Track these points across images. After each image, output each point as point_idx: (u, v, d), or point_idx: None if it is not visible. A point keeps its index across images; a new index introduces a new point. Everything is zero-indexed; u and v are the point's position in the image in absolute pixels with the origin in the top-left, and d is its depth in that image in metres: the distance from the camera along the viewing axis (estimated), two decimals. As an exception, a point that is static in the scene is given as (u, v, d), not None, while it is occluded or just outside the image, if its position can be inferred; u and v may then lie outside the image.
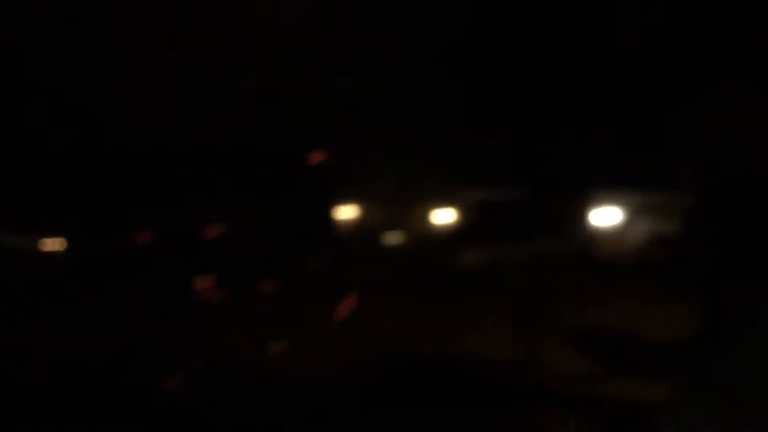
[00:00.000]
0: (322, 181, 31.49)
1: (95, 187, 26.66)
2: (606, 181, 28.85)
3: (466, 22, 30.24)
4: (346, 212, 32.97)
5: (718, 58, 20.65)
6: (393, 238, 29.13)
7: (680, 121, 27.64)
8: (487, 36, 29.80)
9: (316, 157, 28.42)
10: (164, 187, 27.93)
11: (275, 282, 16.52)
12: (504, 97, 31.27)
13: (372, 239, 28.66)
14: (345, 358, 7.87)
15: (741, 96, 24.48)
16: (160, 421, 5.67)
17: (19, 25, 25.32)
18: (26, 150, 25.77)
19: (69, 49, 25.05)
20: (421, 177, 31.36)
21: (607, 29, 28.73)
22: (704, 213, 1.71)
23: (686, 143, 27.19)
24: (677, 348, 2.05)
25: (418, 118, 31.09)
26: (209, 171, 29.06)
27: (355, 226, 32.36)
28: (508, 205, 30.41)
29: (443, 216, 31.97)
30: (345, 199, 32.91)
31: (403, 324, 10.54)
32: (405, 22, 30.35)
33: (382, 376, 7.09)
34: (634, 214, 29.72)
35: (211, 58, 26.15)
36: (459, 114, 31.31)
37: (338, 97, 31.58)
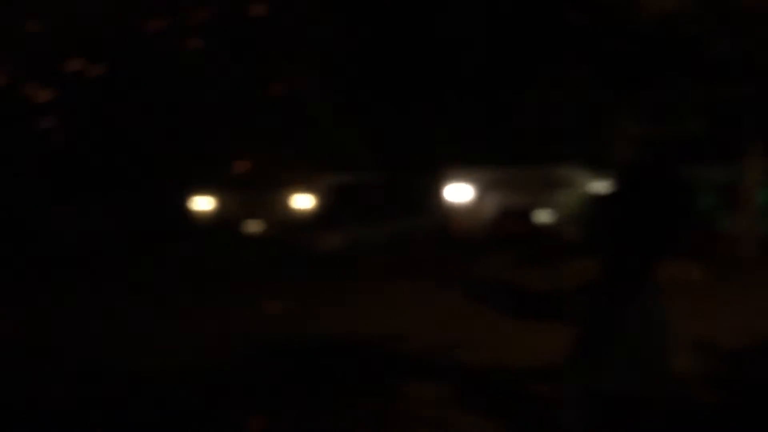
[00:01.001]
0: (177, 173, 30.42)
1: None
2: (456, 159, 29.87)
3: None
4: (203, 203, 32.03)
5: (555, 39, 21.87)
6: (253, 226, 28.58)
7: (524, 99, 29.08)
8: (337, 20, 29.87)
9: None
10: None
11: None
12: (356, 80, 31.53)
13: (231, 229, 28.02)
14: (211, 345, 7.59)
15: (579, 73, 26.11)
16: None
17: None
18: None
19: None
20: (277, 164, 31.02)
21: (455, 10, 29.68)
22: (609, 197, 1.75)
23: (531, 120, 28.68)
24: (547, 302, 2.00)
25: (271, 106, 30.67)
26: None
27: (213, 217, 31.52)
28: (364, 187, 30.78)
29: (302, 202, 31.80)
30: (201, 189, 31.95)
31: (275, 309, 10.37)
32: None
33: (252, 360, 6.90)
34: (485, 189, 31.03)
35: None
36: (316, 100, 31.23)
37: (194, 83, 30.58)
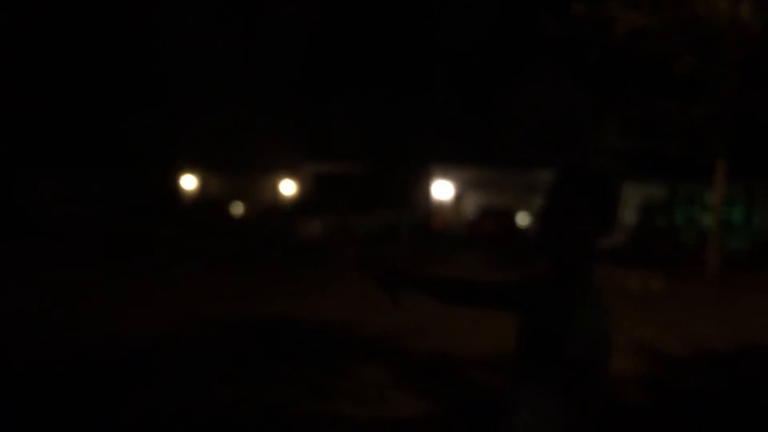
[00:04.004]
0: (166, 152, 30.52)
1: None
2: (441, 157, 30.15)
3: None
4: (190, 182, 32.15)
5: (538, 50, 22.22)
6: (237, 208, 28.74)
7: (507, 102, 29.37)
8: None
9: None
10: None
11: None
12: (338, 70, 31.70)
13: (217, 209, 28.16)
14: (190, 319, 7.85)
15: (554, 79, 26.46)
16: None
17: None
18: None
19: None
20: (264, 149, 31.14)
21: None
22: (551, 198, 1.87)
23: (512, 122, 28.98)
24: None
25: (262, 90, 30.80)
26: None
27: (200, 197, 31.67)
28: (349, 177, 31.01)
29: (286, 188, 31.98)
30: (189, 169, 32.07)
31: (246, 289, 10.61)
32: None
33: (224, 337, 7.16)
34: (467, 188, 31.37)
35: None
36: (302, 87, 31.35)
37: (184, 67, 30.63)
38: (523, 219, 28.78)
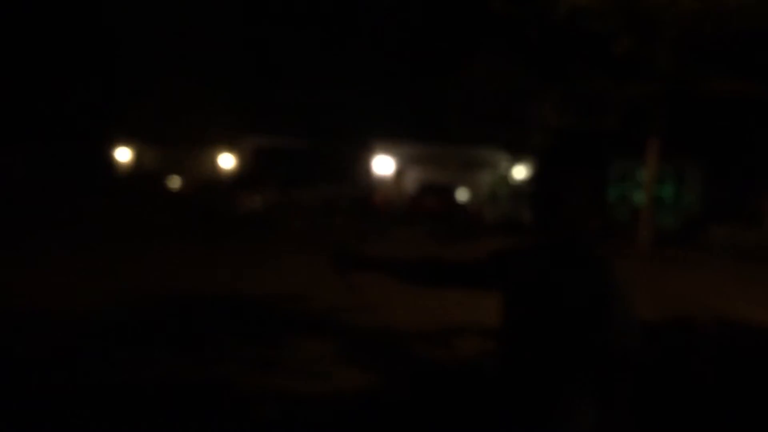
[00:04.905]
0: (100, 124, 29.58)
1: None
2: (382, 132, 30.14)
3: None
4: (124, 155, 31.28)
5: (482, 26, 22.33)
6: (174, 182, 28.15)
7: (449, 79, 29.47)
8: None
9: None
10: None
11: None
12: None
13: (153, 183, 27.51)
14: (129, 295, 7.67)
15: (501, 58, 26.68)
16: None
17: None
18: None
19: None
20: (202, 122, 30.50)
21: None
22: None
23: (453, 100, 29.11)
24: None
25: (200, 62, 30.09)
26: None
27: (135, 170, 30.87)
28: (289, 152, 30.70)
29: (225, 161, 31.46)
30: (124, 141, 31.18)
31: (185, 264, 10.43)
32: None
33: (163, 312, 7.03)
34: (408, 164, 31.47)
35: None
36: (243, 59, 30.78)
37: (121, 38, 29.67)
38: (462, 195, 29.11)
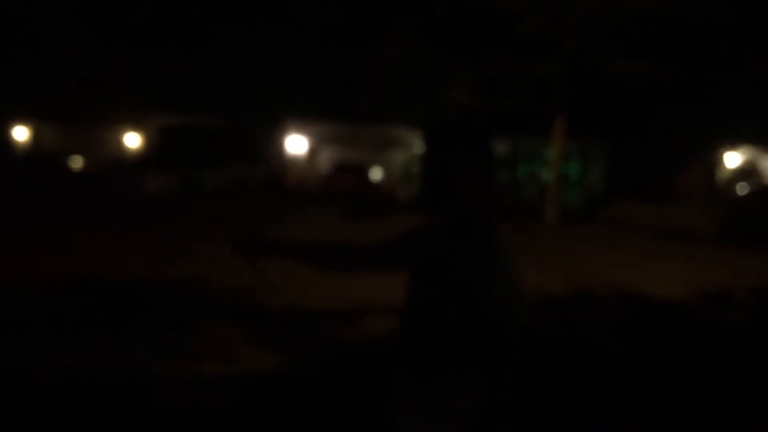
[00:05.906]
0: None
1: None
2: (295, 111, 29.78)
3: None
4: (21, 133, 29.63)
5: (392, 3, 22.35)
6: (76, 162, 26.95)
7: (362, 58, 29.43)
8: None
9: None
10: None
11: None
12: (197, 22, 30.28)
13: (53, 163, 26.24)
14: (27, 280, 7.26)
15: (412, 37, 26.84)
16: None
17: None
18: None
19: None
20: (104, 99, 29.23)
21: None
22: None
23: (366, 79, 29.12)
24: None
25: (102, 38, 28.80)
26: None
27: (33, 149, 29.34)
28: (197, 130, 29.85)
29: (130, 140, 30.31)
30: (21, 119, 29.52)
31: (85, 247, 9.99)
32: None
33: (63, 298, 6.70)
34: (320, 143, 31.23)
35: None
36: (150, 36, 29.65)
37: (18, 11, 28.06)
38: (376, 174, 29.18)
